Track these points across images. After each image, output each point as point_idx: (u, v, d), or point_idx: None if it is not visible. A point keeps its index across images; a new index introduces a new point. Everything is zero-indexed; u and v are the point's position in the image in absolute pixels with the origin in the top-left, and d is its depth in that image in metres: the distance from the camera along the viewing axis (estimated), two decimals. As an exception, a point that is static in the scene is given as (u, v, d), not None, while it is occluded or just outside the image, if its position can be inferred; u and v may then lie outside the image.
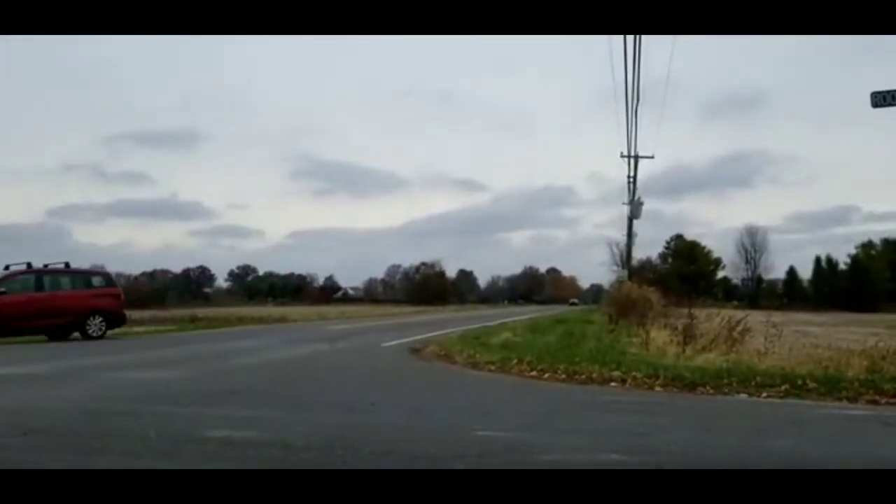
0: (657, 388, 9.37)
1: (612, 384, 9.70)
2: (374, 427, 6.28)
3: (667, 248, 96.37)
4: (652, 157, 39.10)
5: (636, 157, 37.05)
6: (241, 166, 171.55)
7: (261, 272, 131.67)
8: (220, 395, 8.50)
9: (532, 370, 10.99)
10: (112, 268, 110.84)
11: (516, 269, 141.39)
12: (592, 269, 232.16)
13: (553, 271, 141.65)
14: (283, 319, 38.27)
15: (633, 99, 26.48)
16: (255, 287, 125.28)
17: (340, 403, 7.86)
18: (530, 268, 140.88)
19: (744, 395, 8.74)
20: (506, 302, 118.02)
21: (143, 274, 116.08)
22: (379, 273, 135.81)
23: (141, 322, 31.40)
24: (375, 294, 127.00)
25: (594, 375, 10.18)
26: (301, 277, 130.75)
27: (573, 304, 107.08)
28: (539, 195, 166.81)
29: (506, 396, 8.85)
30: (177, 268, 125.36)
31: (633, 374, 10.05)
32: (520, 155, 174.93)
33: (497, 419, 6.84)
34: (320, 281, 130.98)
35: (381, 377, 11.00)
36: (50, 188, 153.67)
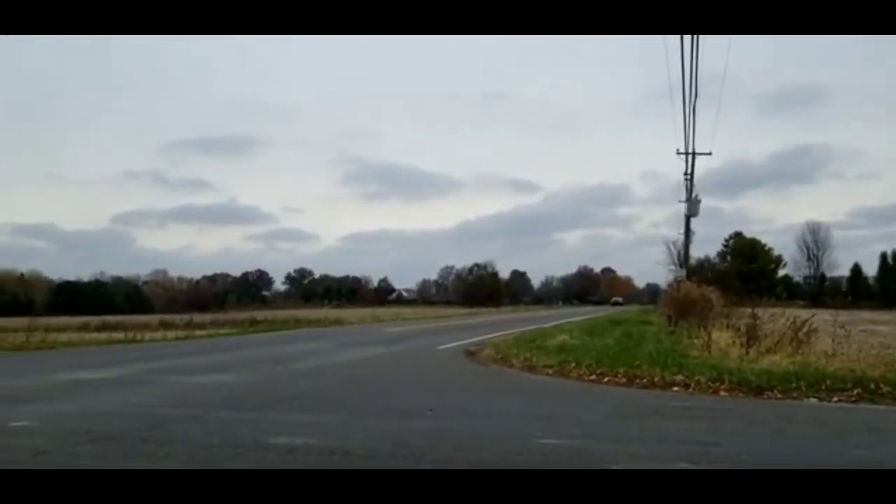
0: (722, 393, 9.12)
1: (675, 388, 9.48)
2: (434, 434, 6.24)
3: (725, 246, 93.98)
4: (709, 154, 38.19)
5: (693, 154, 36.24)
6: (296, 171, 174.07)
7: (316, 275, 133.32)
8: (281, 400, 8.58)
9: (591, 374, 10.82)
10: (174, 272, 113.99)
11: (570, 269, 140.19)
12: (648, 268, 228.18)
13: (608, 271, 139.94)
14: (338, 321, 38.64)
15: (691, 95, 25.83)
16: (311, 289, 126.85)
17: (399, 409, 7.85)
18: (585, 268, 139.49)
19: (814, 400, 8.45)
20: (560, 302, 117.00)
21: (204, 278, 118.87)
22: (432, 275, 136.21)
23: (202, 325, 32.11)
24: (429, 295, 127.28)
25: (656, 379, 9.96)
26: (356, 280, 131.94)
27: (616, 303, 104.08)
28: (592, 194, 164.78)
29: (566, 401, 8.72)
30: (236, 271, 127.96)
31: (697, 378, 9.81)
32: (572, 154, 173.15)
33: (559, 426, 6.72)
34: (374, 283, 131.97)
35: (438, 381, 10.96)
36: (114, 195, 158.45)
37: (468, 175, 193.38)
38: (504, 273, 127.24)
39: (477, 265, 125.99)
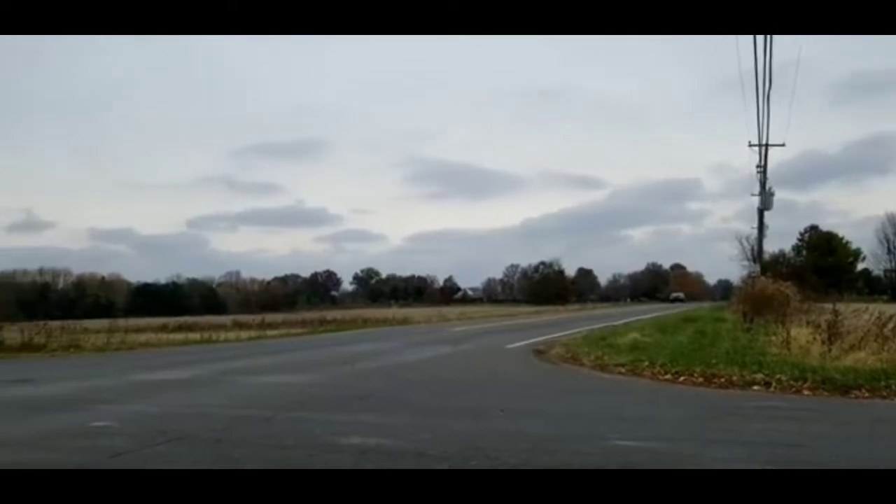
0: (805, 392, 8.73)
1: (755, 388, 9.11)
2: (507, 435, 6.11)
3: (800, 240, 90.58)
4: (782, 146, 36.87)
5: (766, 146, 35.01)
6: (362, 173, 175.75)
7: (383, 275, 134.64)
8: (351, 399, 8.60)
9: (666, 373, 10.50)
10: (246, 273, 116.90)
11: (638, 267, 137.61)
12: (720, 264, 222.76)
13: (678, 267, 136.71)
14: (405, 321, 38.86)
15: (764, 85, 24.88)
16: (378, 289, 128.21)
17: (470, 409, 7.75)
18: (653, 264, 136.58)
19: (906, 400, 7.99)
20: (627, 300, 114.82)
21: (275, 279, 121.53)
22: (497, 273, 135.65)
23: (274, 325, 32.73)
24: (494, 294, 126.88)
25: (734, 379, 9.60)
26: (421, 279, 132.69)
27: (677, 299, 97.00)
28: (660, 189, 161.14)
29: (641, 402, 8.46)
30: (305, 272, 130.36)
31: (778, 376, 9.41)
32: (637, 148, 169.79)
33: (636, 427, 6.51)
34: (440, 282, 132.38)
35: (508, 381, 10.82)
36: (188, 200, 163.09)
37: (531, 172, 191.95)
38: (570, 271, 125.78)
39: (543, 263, 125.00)
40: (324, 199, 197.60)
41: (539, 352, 15.32)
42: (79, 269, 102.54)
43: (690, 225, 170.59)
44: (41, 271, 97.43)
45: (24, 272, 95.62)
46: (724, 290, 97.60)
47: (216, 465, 5.15)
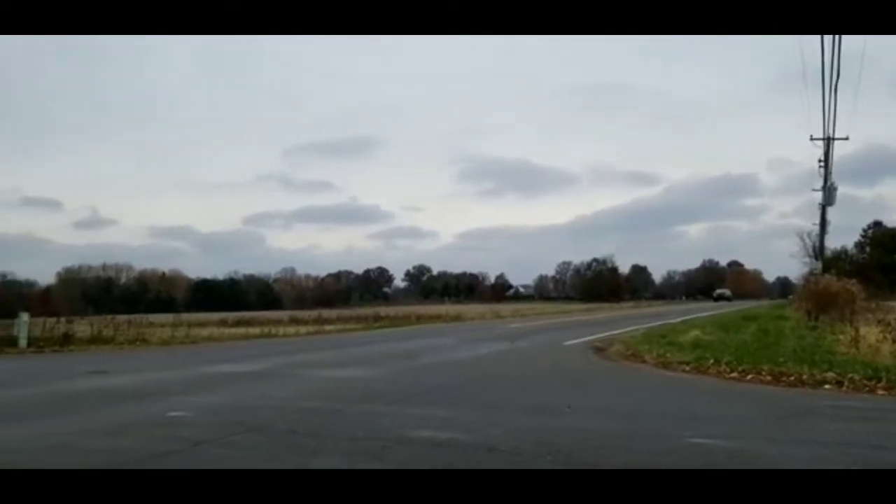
0: (880, 392, 8.49)
1: (826, 387, 8.90)
2: (577, 432, 6.09)
3: (863, 236, 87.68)
4: (846, 139, 35.64)
5: (830, 140, 33.93)
6: (414, 170, 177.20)
7: (435, 272, 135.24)
8: (417, 394, 8.68)
9: (732, 371, 10.32)
10: (300, 270, 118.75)
11: (693, 264, 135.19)
12: (778, 261, 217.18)
13: (735, 264, 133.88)
14: (458, 318, 38.94)
15: (831, 78, 24.07)
16: (429, 286, 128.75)
17: (536, 405, 7.75)
18: (709, 261, 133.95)
19: None
20: (683, 297, 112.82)
21: (329, 275, 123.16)
22: (549, 270, 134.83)
23: (329, 321, 33.14)
24: (546, 292, 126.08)
25: (804, 377, 9.39)
26: (473, 276, 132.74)
27: (721, 297, 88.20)
28: (716, 185, 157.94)
29: (710, 400, 8.34)
30: (358, 269, 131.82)
31: (850, 375, 9.18)
32: (693, 144, 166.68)
33: (708, 425, 6.42)
34: (491, 279, 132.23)
35: (571, 378, 10.77)
36: (245, 198, 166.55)
37: (584, 169, 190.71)
38: (624, 268, 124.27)
39: (596, 260, 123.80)
40: (376, 197, 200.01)
41: (598, 349, 15.20)
42: (140, 265, 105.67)
43: (747, 221, 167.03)
44: (104, 267, 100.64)
45: (89, 268, 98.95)
46: (782, 287, 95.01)
47: (294, 455, 5.27)
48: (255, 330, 25.65)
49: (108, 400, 8.57)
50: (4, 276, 76.59)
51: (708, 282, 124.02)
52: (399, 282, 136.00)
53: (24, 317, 18.57)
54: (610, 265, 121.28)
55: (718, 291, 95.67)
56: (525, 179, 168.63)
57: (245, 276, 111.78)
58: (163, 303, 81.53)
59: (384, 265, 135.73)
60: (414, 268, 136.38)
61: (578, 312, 47.58)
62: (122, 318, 23.98)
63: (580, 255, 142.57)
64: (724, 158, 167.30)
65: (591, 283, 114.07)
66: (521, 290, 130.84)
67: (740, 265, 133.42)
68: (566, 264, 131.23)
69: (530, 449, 5.30)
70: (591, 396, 8.80)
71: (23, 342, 17.87)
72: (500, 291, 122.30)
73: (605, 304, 69.87)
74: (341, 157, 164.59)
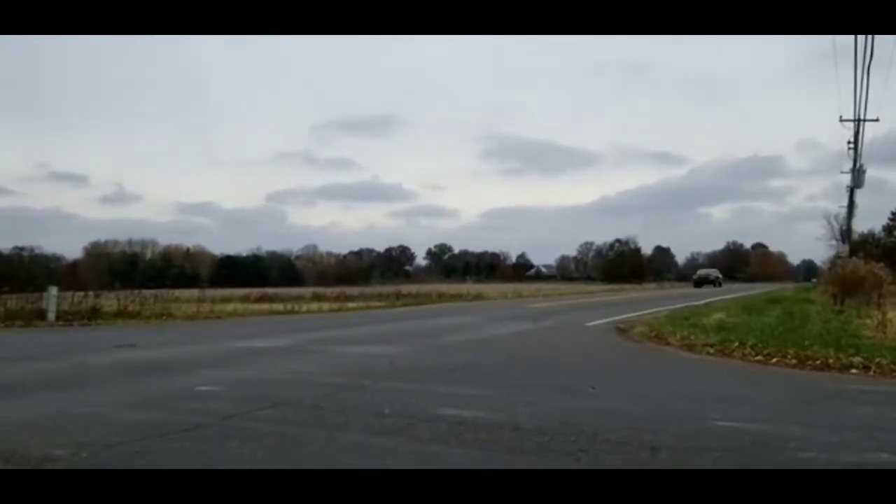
0: (908, 376, 8.41)
1: (853, 371, 8.82)
2: (602, 413, 6.10)
3: (892, 219, 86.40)
4: (876, 121, 34.99)
5: (861, 121, 33.29)
6: (437, 148, 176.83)
7: (456, 250, 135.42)
8: (441, 372, 8.72)
9: (757, 354, 10.25)
10: (323, 247, 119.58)
11: (717, 245, 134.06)
12: (804, 243, 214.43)
13: (759, 247, 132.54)
14: (479, 296, 38.99)
15: (864, 59, 23.62)
16: (451, 265, 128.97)
17: (560, 385, 7.76)
18: (733, 243, 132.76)
19: None
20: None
21: (350, 253, 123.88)
22: (571, 251, 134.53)
23: (351, 298, 33.34)
24: (568, 272, 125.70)
25: (830, 361, 9.30)
26: (494, 255, 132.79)
27: (704, 280, 65.06)
28: (742, 166, 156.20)
29: (735, 382, 8.29)
30: (380, 247, 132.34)
31: (878, 360, 9.09)
32: (719, 124, 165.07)
33: (735, 408, 6.39)
34: (513, 258, 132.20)
35: (594, 358, 10.76)
36: (268, 175, 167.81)
37: (609, 148, 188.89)
38: (647, 249, 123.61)
39: (618, 241, 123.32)
40: (399, 175, 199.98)
41: (621, 330, 15.16)
42: (165, 240, 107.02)
43: (773, 203, 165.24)
44: (130, 242, 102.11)
45: (115, 242, 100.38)
46: (807, 270, 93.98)
47: (321, 430, 5.32)
48: (279, 306, 25.86)
49: (136, 373, 8.71)
50: (32, 250, 78.05)
51: (732, 264, 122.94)
52: (420, 260, 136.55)
53: (53, 290, 18.88)
54: (632, 246, 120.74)
55: (702, 272, 71.37)
56: (549, 159, 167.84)
57: (268, 252, 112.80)
58: (187, 278, 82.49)
59: (406, 243, 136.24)
60: (435, 246, 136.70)
61: (600, 293, 47.46)
62: (149, 292, 24.29)
63: (603, 236, 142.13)
64: (751, 139, 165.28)
65: (613, 264, 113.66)
66: (543, 269, 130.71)
67: (764, 247, 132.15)
68: (588, 244, 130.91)
69: (555, 428, 5.31)
70: (616, 377, 8.80)
71: (51, 315, 18.19)
72: (522, 271, 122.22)
73: (627, 286, 69.52)
74: (365, 135, 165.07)
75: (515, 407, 6.24)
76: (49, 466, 4.28)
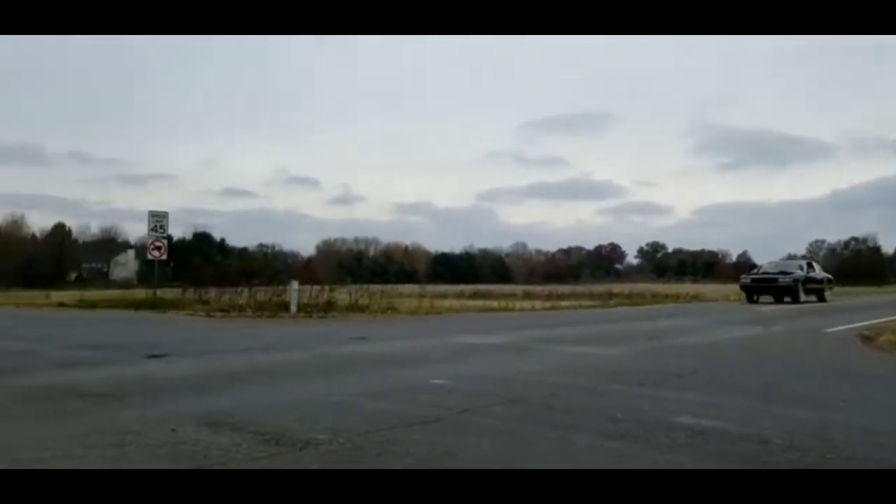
0: None
1: None
2: (857, 429, 5.55)
3: None
4: None
5: None
6: (649, 144, 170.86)
7: (669, 248, 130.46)
8: (669, 377, 8.44)
9: None
10: (531, 245, 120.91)
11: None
12: None
13: None
14: (697, 297, 37.27)
15: None
16: (663, 263, 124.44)
17: (802, 395, 7.22)
18: None
19: None
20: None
21: (559, 250, 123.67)
22: (799, 249, 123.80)
23: (563, 296, 33.29)
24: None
25: None
26: (712, 254, 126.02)
27: (761, 283, 31.97)
28: None
29: None
30: (588, 245, 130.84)
31: None
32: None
33: None
34: (733, 257, 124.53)
35: (839, 368, 9.85)
36: (478, 175, 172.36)
37: (840, 138, 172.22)
38: (887, 248, 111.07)
39: (854, 239, 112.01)
40: (608, 171, 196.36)
41: (866, 338, 13.74)
42: (385, 238, 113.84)
43: None
44: (356, 240, 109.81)
45: (343, 240, 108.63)
46: None
47: (553, 430, 5.36)
48: (493, 303, 26.45)
49: (373, 365, 9.33)
50: (273, 247, 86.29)
51: None
52: (631, 259, 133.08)
53: (295, 285, 20.76)
54: (871, 244, 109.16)
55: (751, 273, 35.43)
56: (769, 151, 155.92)
57: (479, 249, 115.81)
58: (406, 274, 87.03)
59: (615, 241, 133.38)
60: (647, 244, 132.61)
61: (835, 296, 43.38)
62: (375, 287, 25.93)
63: (836, 234, 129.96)
64: None
65: (848, 264, 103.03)
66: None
67: None
68: (819, 242, 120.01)
69: (807, 444, 4.94)
70: (864, 390, 8.00)
71: (293, 308, 20.00)
72: (744, 271, 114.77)
73: (865, 288, 62.95)
74: (573, 132, 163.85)
75: (757, 418, 5.89)
76: (312, 449, 4.72)
